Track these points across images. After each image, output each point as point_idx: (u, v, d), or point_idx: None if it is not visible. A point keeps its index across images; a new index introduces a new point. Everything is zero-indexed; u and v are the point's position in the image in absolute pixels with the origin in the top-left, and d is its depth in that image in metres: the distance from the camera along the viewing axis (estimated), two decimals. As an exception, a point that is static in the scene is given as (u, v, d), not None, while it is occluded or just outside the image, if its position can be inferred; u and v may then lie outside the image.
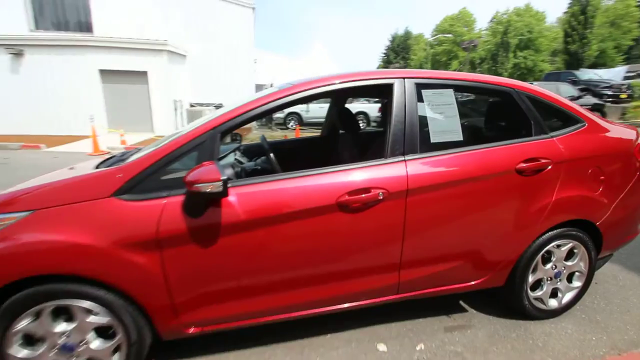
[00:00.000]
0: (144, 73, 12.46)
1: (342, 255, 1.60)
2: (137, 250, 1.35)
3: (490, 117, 2.02)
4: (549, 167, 1.80)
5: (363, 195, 1.52)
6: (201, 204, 1.39)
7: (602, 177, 1.94)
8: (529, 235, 1.84)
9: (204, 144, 1.46)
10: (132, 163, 1.46)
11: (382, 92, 1.82)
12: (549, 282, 2.00)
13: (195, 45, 14.50)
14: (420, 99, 1.72)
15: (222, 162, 1.82)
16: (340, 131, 2.92)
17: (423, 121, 1.72)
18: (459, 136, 1.74)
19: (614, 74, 18.86)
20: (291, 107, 15.23)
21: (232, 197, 1.43)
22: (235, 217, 1.42)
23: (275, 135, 12.50)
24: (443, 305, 2.14)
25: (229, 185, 1.42)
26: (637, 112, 12.53)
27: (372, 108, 13.92)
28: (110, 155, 1.97)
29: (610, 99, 13.59)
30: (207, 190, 1.28)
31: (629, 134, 2.10)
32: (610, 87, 14.51)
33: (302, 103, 1.66)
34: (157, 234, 1.36)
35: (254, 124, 15.94)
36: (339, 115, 2.60)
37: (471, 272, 1.84)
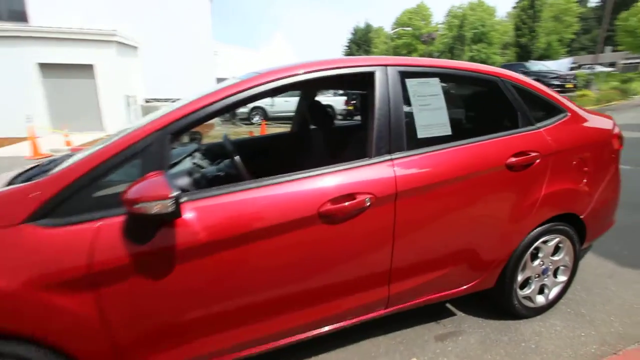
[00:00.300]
0: (90, 66, 11.40)
1: (325, 272, 1.38)
2: (62, 290, 1.04)
3: (475, 108, 1.89)
4: (538, 161, 1.69)
5: (347, 204, 1.30)
6: (148, 226, 1.10)
7: (586, 169, 1.88)
8: (519, 233, 1.73)
9: (149, 149, 1.16)
10: (53, 177, 1.13)
11: (360, 83, 1.61)
12: (536, 279, 1.93)
13: (148, 37, 13.51)
14: (404, 89, 1.53)
15: (177, 169, 1.51)
16: (312, 126, 2.70)
17: (408, 115, 1.53)
18: (447, 130, 1.57)
19: (560, 65, 20.18)
20: (255, 101, 14.69)
21: (189, 214, 1.15)
22: (194, 240, 1.14)
23: (240, 131, 12.01)
24: (431, 310, 2.00)
25: (184, 199, 1.14)
26: (582, 101, 13.44)
27: (337, 101, 13.78)
28: (32, 165, 1.59)
29: (558, 89, 14.51)
30: (154, 212, 0.99)
31: (606, 123, 2.06)
32: (557, 77, 15.48)
33: (271, 95, 1.41)
34: (90, 267, 1.05)
35: (216, 119, 15.24)
36: (310, 109, 2.37)
37: (463, 275, 1.71)
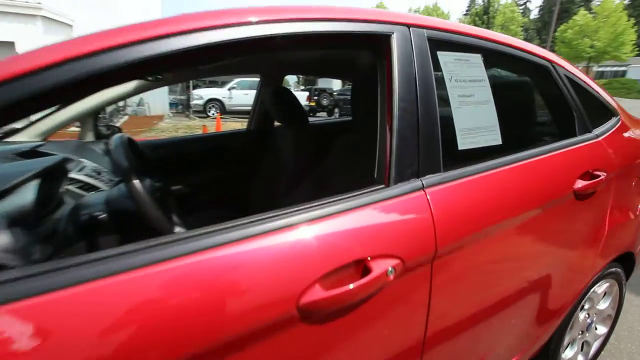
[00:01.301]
0: (11, 44, 9.64)
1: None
2: None
3: (518, 105, 1.36)
4: (604, 184, 1.19)
5: (352, 286, 0.66)
6: None
7: (640, 190, 1.43)
8: (579, 284, 1.23)
9: None
10: None
11: (362, 54, 0.98)
12: (579, 336, 1.45)
13: (84, 15, 11.82)
14: (436, 67, 0.93)
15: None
16: (277, 123, 2.04)
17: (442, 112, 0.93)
18: (496, 138, 1.00)
19: (511, 71, 21.31)
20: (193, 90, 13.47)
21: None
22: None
23: (193, 125, 10.87)
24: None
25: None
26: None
27: (298, 97, 13.09)
28: None
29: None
30: None
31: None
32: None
33: (190, 65, 0.74)
34: None
35: (166, 109, 13.73)
36: (275, 99, 1.69)
37: (507, 351, 1.16)
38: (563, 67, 1.27)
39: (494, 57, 1.11)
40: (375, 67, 0.90)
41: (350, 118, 1.92)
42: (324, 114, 14.28)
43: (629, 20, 26.09)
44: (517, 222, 0.95)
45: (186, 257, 0.57)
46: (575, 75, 1.31)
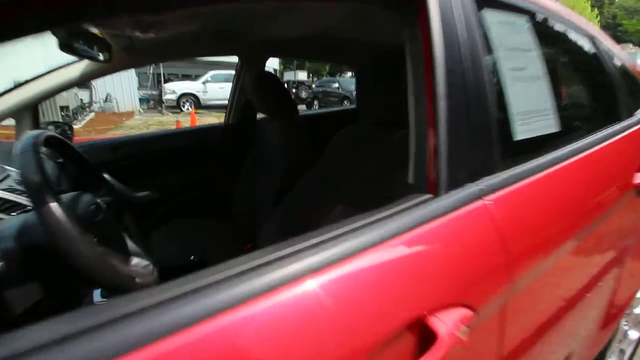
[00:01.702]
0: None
1: None
2: None
3: (563, 83, 1.15)
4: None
5: None
6: None
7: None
8: (632, 291, 1.07)
9: None
10: None
11: (380, 16, 0.74)
12: (617, 344, 1.30)
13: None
14: (483, 31, 0.69)
15: None
16: (260, 116, 1.76)
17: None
18: (552, 123, 0.79)
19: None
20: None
21: None
22: None
23: (166, 121, 10.30)
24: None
25: None
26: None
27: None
28: None
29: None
30: None
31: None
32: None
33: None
34: None
35: (136, 105, 12.95)
36: (259, 86, 1.41)
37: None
38: (604, 42, 1.07)
39: (540, 22, 0.89)
40: (399, 33, 0.66)
41: (347, 107, 1.68)
42: (302, 107, 14.00)
43: (592, 11, 27.10)
44: (592, 229, 0.74)
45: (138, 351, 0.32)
46: (613, 51, 1.13)
